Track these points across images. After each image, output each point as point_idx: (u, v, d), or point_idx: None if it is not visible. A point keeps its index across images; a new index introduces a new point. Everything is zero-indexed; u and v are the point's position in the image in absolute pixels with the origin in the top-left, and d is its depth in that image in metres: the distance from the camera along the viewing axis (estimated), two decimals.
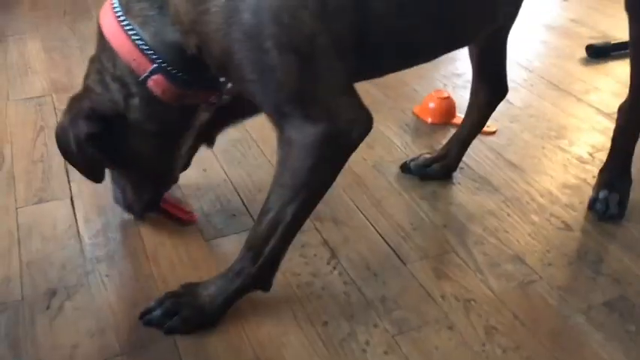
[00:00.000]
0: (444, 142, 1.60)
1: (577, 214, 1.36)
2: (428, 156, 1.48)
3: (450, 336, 1.05)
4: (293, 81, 0.88)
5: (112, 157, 1.08)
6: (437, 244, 1.26)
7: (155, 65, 0.96)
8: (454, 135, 1.48)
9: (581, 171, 1.51)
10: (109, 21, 0.97)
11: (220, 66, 0.93)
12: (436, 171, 1.46)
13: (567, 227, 1.32)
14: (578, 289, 1.16)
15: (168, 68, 0.96)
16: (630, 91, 1.31)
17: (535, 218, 1.34)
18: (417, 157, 1.48)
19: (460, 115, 1.71)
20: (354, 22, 0.92)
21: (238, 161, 1.50)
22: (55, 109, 1.70)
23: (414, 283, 1.16)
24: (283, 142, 0.93)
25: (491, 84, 1.39)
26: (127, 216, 1.29)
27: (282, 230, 0.98)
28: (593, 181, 1.46)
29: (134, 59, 0.96)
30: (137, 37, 0.95)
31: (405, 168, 1.48)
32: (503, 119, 1.73)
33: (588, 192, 1.42)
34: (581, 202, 1.39)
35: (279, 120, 0.93)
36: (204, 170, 1.46)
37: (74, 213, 1.31)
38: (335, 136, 0.92)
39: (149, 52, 0.95)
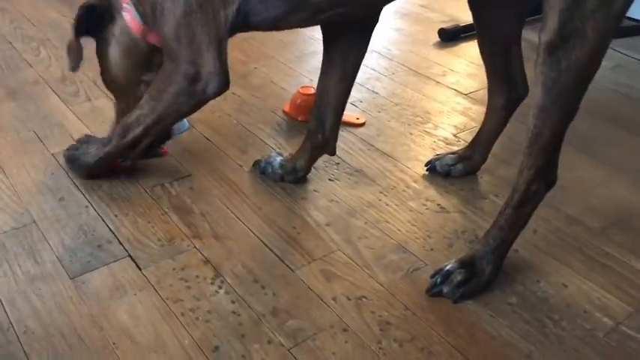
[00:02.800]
0: None
1: (450, 195, 1.41)
2: (453, 156, 1.46)
3: (346, 339, 1.03)
4: (175, 27, 1.12)
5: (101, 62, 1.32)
6: (322, 244, 1.24)
7: None
8: (476, 138, 1.45)
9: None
10: None
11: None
12: (460, 171, 1.45)
13: (443, 209, 1.36)
14: None
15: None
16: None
17: (412, 204, 1.37)
18: (443, 157, 1.46)
19: None
20: None
21: (99, 185, 1.37)
22: None
23: (304, 288, 1.13)
24: (163, 67, 1.20)
25: (507, 85, 1.34)
26: None
27: (144, 124, 1.24)
28: None
29: None
30: None
31: (430, 167, 1.47)
32: (370, 109, 1.75)
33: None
34: (452, 184, 1.44)
35: (165, 54, 1.19)
36: (62, 199, 1.32)
37: None
38: (194, 78, 1.14)
39: None
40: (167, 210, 1.30)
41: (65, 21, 2.19)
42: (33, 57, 1.96)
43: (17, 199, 1.31)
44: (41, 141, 1.52)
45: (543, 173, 1.08)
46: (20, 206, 1.29)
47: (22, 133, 1.55)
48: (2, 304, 1.06)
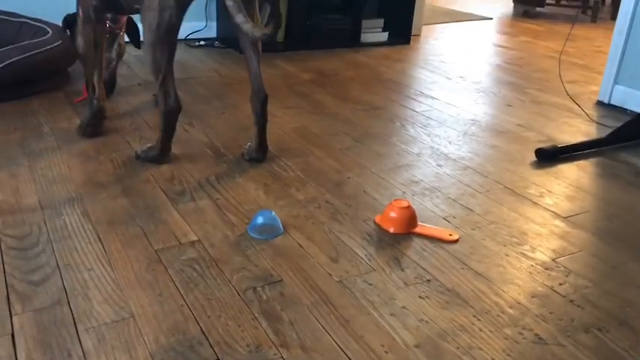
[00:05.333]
0: (408, 252, 1.58)
1: (549, 325, 1.33)
2: None
3: None
4: None
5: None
6: None
7: None
8: None
9: (546, 278, 1.50)
10: None
11: None
12: None
13: (541, 340, 1.28)
14: None
15: None
16: None
17: (508, 332, 1.30)
18: None
19: (421, 224, 1.70)
20: None
21: (195, 283, 1.42)
22: None
23: None
24: None
25: None
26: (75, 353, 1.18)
27: None
28: (560, 289, 1.44)
29: None
30: None
31: None
32: (464, 226, 1.73)
33: (557, 301, 1.40)
34: (552, 312, 1.37)
35: None
36: (160, 295, 1.37)
37: (15, 352, 1.19)
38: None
39: None
40: (257, 315, 1.32)
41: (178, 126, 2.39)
42: None
43: (119, 292, 1.39)
44: (146, 236, 1.62)
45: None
46: (121, 299, 1.36)
47: (130, 228, 1.66)
48: None
